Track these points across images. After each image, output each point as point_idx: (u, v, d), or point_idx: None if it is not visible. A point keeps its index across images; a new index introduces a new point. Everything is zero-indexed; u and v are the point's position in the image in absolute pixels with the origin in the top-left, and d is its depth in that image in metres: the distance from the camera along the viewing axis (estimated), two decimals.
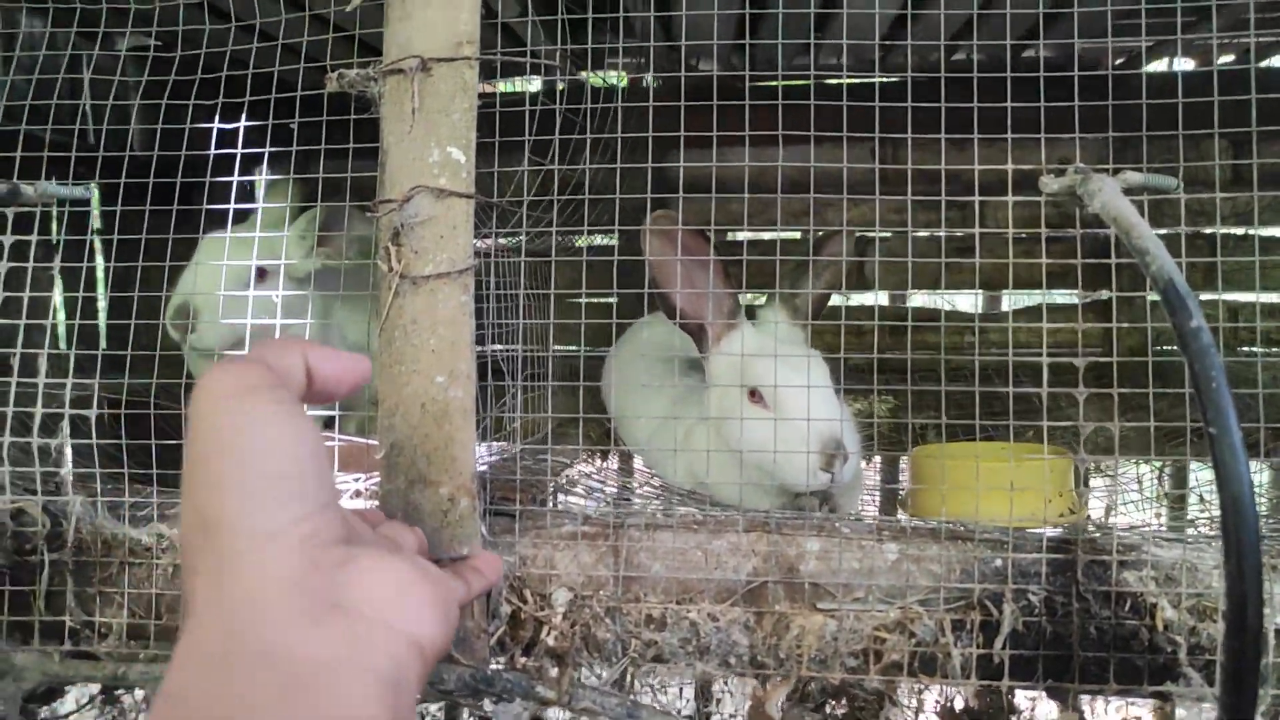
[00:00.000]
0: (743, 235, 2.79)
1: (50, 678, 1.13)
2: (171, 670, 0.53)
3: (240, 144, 1.30)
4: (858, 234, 2.29)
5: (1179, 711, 1.04)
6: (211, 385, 0.61)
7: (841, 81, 2.53)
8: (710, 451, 1.59)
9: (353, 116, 1.17)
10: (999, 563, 1.06)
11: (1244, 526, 0.80)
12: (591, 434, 2.00)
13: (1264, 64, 2.48)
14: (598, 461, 1.96)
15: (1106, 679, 1.03)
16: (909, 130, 1.32)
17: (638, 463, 1.99)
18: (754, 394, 1.57)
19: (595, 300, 2.25)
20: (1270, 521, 1.53)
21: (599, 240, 2.70)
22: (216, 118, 1.23)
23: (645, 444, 1.94)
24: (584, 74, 2.32)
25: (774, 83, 2.41)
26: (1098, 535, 1.07)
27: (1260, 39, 2.25)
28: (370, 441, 1.18)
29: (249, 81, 1.21)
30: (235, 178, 1.25)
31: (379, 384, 1.10)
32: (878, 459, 2.44)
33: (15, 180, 1.16)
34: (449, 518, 1.06)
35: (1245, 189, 2.46)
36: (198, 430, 0.60)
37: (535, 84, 2.88)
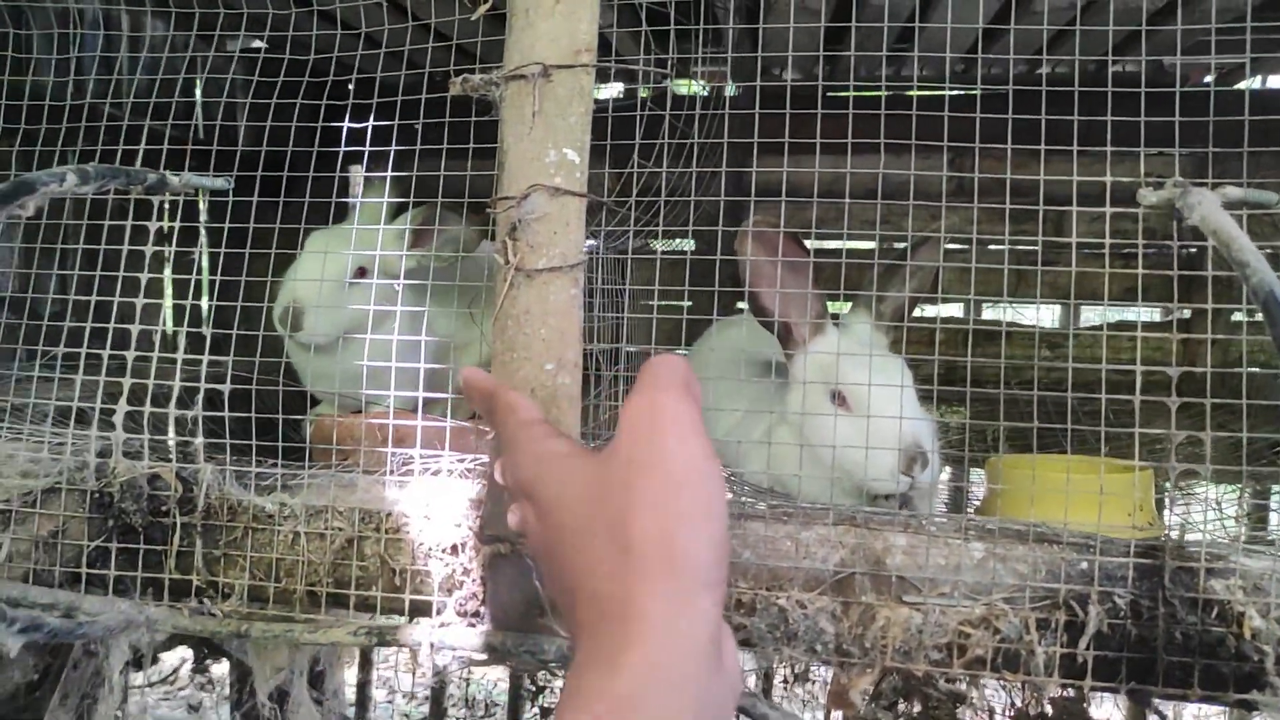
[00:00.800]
0: (828, 244, 2.82)
1: (180, 630, 1.22)
2: (624, 672, 0.53)
3: (343, 142, 1.39)
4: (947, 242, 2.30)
5: (1257, 718, 1.06)
6: (676, 410, 0.62)
7: (920, 92, 2.55)
8: (790, 446, 1.63)
9: (473, 119, 1.25)
10: (1085, 565, 1.08)
11: None
12: None
13: None
14: None
15: (1190, 684, 1.05)
16: (976, 141, 1.36)
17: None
18: (836, 396, 1.61)
19: (676, 301, 2.30)
20: None
21: (676, 243, 2.76)
22: (347, 117, 1.31)
23: (724, 439, 1.98)
24: (669, 82, 2.39)
25: (854, 93, 2.44)
26: (1185, 542, 1.08)
27: None
28: (468, 424, 1.25)
29: (376, 85, 1.29)
30: (336, 172, 1.33)
31: (493, 370, 1.17)
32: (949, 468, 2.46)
33: (163, 171, 1.26)
34: None
35: None
36: (659, 451, 0.60)
37: (616, 90, 2.95)
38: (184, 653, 2.31)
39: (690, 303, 2.59)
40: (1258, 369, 2.20)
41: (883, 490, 1.55)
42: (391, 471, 1.24)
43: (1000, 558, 1.11)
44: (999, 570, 1.10)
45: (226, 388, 1.24)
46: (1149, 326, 2.45)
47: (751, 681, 2.46)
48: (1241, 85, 2.46)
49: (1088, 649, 1.06)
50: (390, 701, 3.95)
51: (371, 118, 1.29)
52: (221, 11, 1.65)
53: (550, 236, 1.14)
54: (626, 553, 0.57)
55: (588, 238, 1.64)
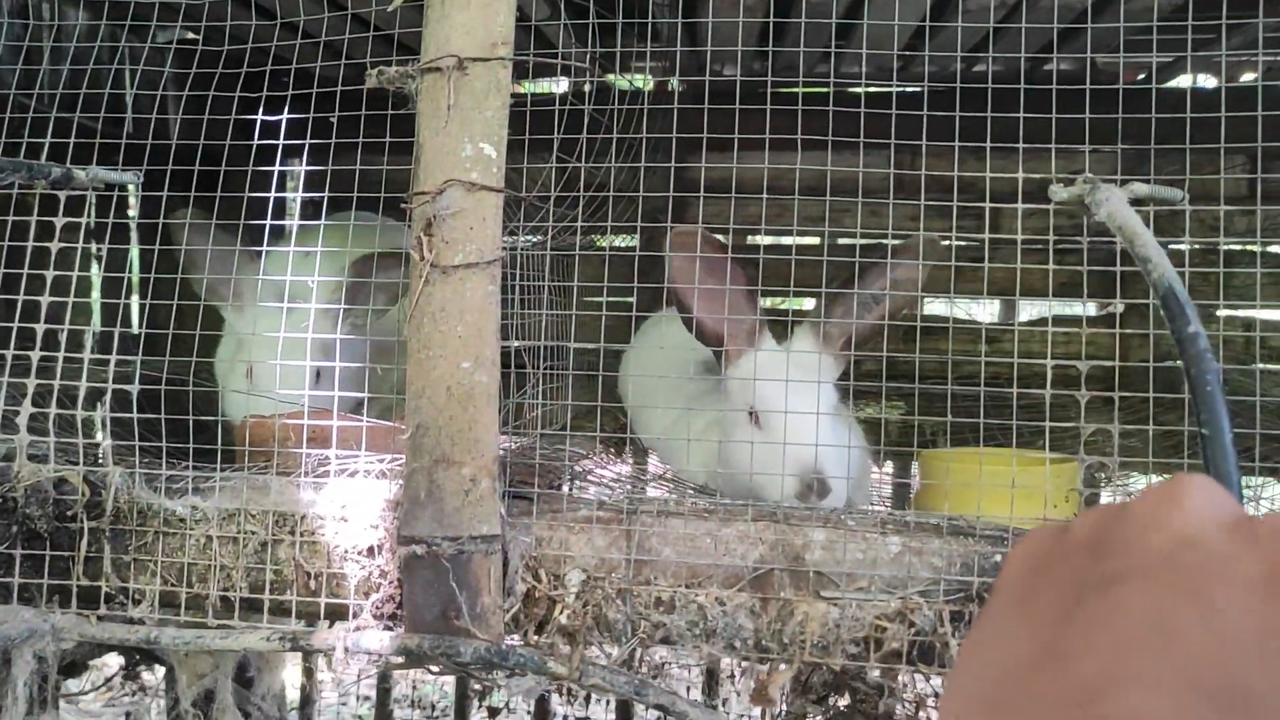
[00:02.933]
0: (761, 240, 2.82)
1: (86, 639, 1.18)
2: None
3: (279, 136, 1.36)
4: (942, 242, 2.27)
5: None
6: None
7: (864, 89, 2.57)
8: (726, 445, 1.62)
9: (390, 112, 1.22)
10: (999, 557, 1.09)
11: None
12: (606, 426, 2.04)
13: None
14: (612, 453, 2.00)
15: None
16: (924, 138, 1.37)
17: (653, 457, 2.03)
18: (753, 414, 1.59)
19: (614, 297, 2.30)
20: None
21: (619, 240, 2.75)
22: (260, 110, 1.28)
23: (661, 436, 1.98)
24: (610, 77, 2.38)
25: (796, 89, 2.45)
26: None
27: (1272, 58, 2.27)
28: (397, 425, 1.23)
29: (291, 75, 1.26)
30: (275, 194, 1.30)
31: (408, 368, 1.15)
32: (889, 463, 2.48)
33: (68, 165, 1.22)
34: (470, 497, 1.11)
35: (1262, 204, 2.47)
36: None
37: (563, 85, 2.93)
38: (117, 660, 2.25)
39: (634, 299, 2.60)
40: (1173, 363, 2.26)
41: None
42: (308, 472, 1.22)
43: (916, 551, 1.12)
44: (915, 564, 1.11)
45: (135, 388, 1.20)
46: (1088, 322, 2.50)
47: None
48: (1171, 84, 2.52)
49: None
50: (344, 703, 3.89)
51: (286, 110, 1.26)
52: (144, 1, 1.60)
53: (466, 232, 1.13)
54: None
55: (521, 233, 1.63)
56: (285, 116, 1.26)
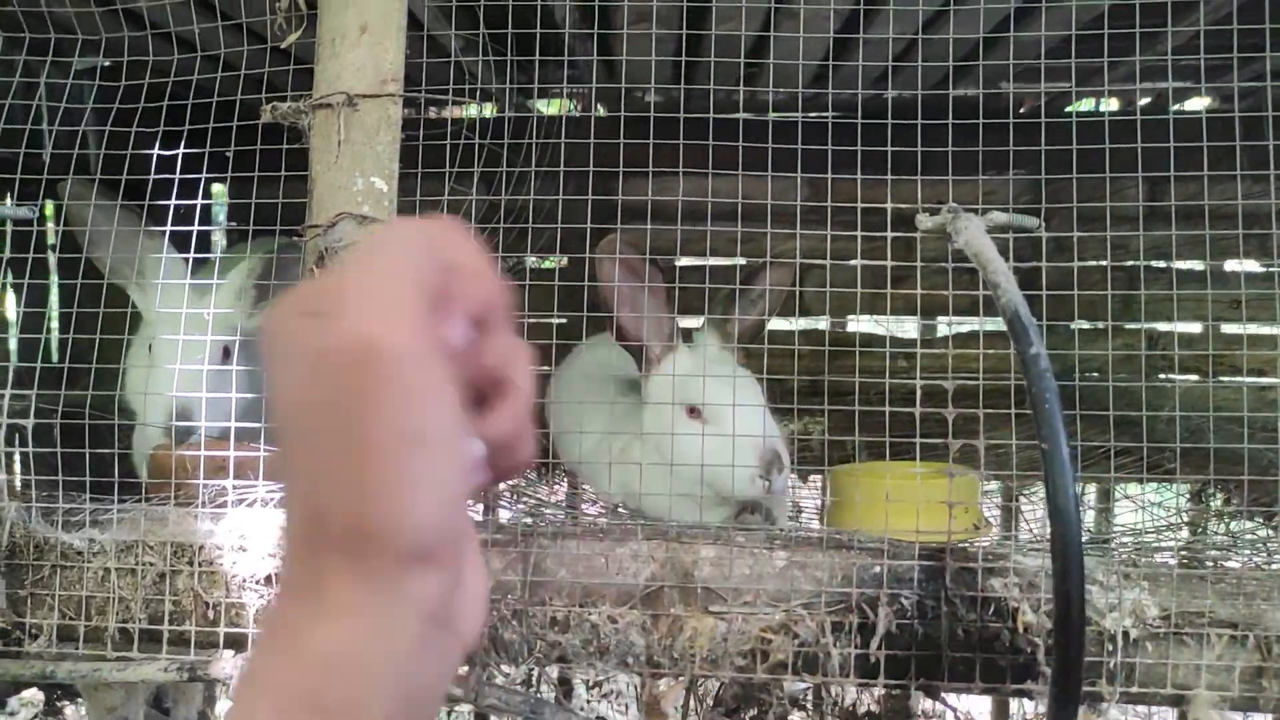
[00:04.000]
0: (682, 262, 2.88)
1: None
2: (305, 658, 0.45)
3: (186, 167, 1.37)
4: (786, 264, 2.39)
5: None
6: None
7: (772, 118, 2.65)
8: (644, 465, 1.66)
9: (285, 146, 1.25)
10: (877, 569, 1.14)
11: (1069, 533, 0.89)
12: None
13: (1177, 107, 2.61)
14: (530, 474, 2.03)
15: (973, 677, 1.11)
16: (829, 170, 1.43)
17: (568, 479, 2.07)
18: (693, 411, 1.66)
19: (539, 322, 2.33)
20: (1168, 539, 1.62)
21: (542, 264, 2.79)
22: (156, 145, 1.30)
23: (583, 459, 2.01)
24: (531, 103, 2.42)
25: (713, 115, 2.51)
26: (967, 544, 1.15)
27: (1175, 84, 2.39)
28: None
29: (214, 108, 1.28)
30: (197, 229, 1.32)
31: None
32: (816, 477, 2.54)
33: None
34: None
35: (1161, 225, 2.59)
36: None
37: (487, 111, 2.96)
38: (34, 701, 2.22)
39: (565, 320, 2.63)
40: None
41: (747, 494, 1.59)
42: (205, 503, 1.23)
43: (800, 565, 1.16)
44: (798, 577, 1.15)
45: (30, 422, 1.20)
46: (988, 340, 2.58)
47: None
48: (1069, 109, 2.63)
49: (879, 649, 1.12)
50: None
51: (182, 145, 1.28)
52: (53, 36, 1.61)
53: None
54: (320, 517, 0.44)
55: None
56: (180, 151, 1.28)
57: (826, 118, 2.57)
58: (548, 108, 2.49)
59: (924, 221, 1.14)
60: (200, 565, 1.20)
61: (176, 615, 1.21)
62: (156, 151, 1.30)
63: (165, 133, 1.40)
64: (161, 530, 1.22)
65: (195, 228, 1.34)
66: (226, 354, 1.65)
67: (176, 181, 1.29)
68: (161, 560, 1.20)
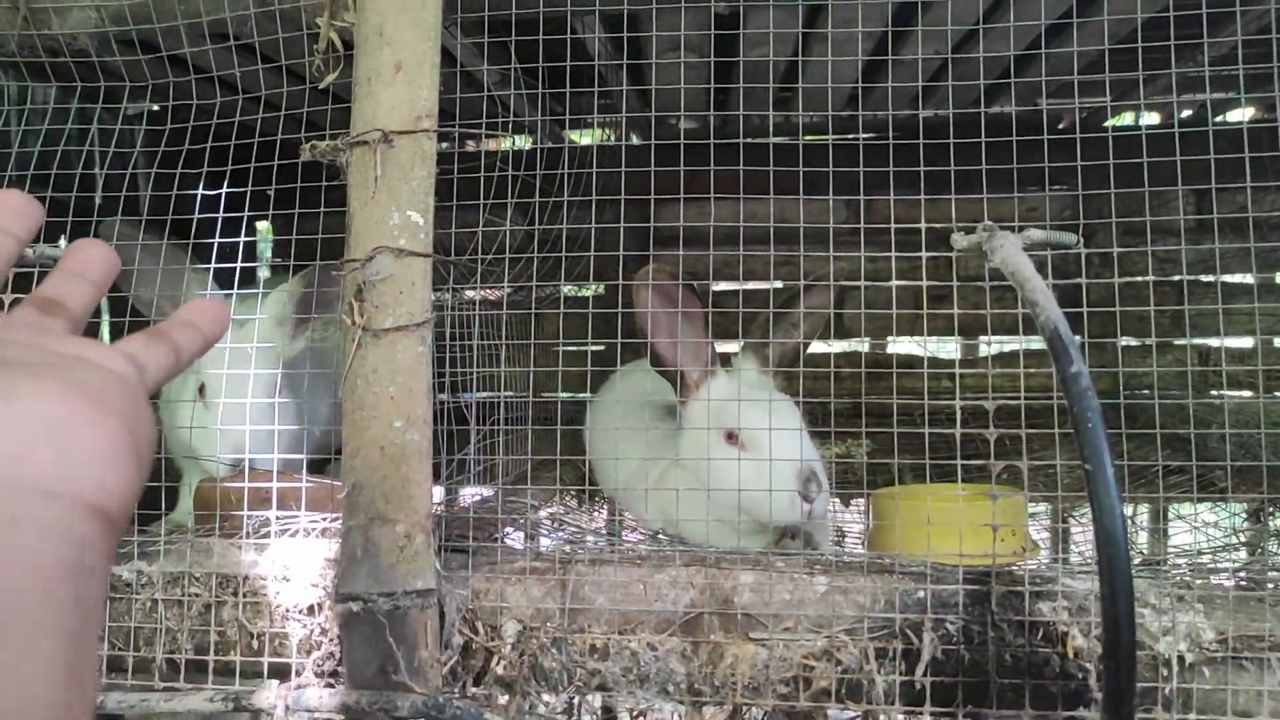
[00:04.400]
0: (718, 287, 2.89)
1: None
2: None
3: (233, 208, 1.41)
4: (823, 286, 2.38)
5: None
6: None
7: (805, 141, 2.65)
8: (681, 491, 1.66)
9: (324, 183, 1.28)
10: (920, 594, 1.12)
11: (1116, 555, 0.87)
12: (567, 476, 2.07)
13: (1219, 119, 2.57)
14: (571, 502, 2.03)
15: (1022, 704, 1.09)
16: (861, 191, 1.42)
17: (607, 506, 2.06)
18: (731, 436, 1.66)
19: (575, 349, 2.34)
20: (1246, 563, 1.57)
21: (579, 292, 2.81)
22: (201, 184, 1.34)
23: (622, 485, 2.01)
24: (564, 133, 2.45)
25: (748, 140, 2.52)
26: (1013, 568, 1.13)
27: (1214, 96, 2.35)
28: (336, 483, 1.26)
29: (253, 149, 1.32)
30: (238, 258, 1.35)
31: (343, 429, 1.19)
32: (859, 501, 2.50)
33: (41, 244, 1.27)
34: (404, 553, 1.14)
35: (1207, 238, 2.54)
36: None
37: (522, 142, 3.01)
38: None
39: (602, 348, 2.64)
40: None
41: (786, 519, 1.58)
42: (249, 534, 1.25)
43: (841, 590, 1.15)
44: (840, 603, 1.14)
45: None
46: (1030, 359, 2.54)
47: None
48: (1108, 123, 2.59)
49: (924, 675, 1.10)
50: None
51: (225, 183, 1.31)
52: (104, 84, 1.67)
53: (396, 296, 1.17)
54: None
55: (477, 292, 1.68)
56: (224, 190, 1.32)
57: (859, 139, 2.58)
58: (581, 138, 2.52)
59: (959, 241, 1.13)
60: (245, 596, 1.22)
61: (221, 645, 1.22)
62: (201, 191, 1.33)
63: (210, 172, 1.44)
64: (207, 562, 1.24)
65: (239, 264, 1.37)
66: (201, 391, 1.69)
67: (220, 219, 1.32)
68: (207, 591, 1.22)
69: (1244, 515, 2.03)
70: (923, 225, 1.20)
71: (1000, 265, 1.06)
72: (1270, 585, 1.27)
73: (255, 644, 1.21)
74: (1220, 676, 1.06)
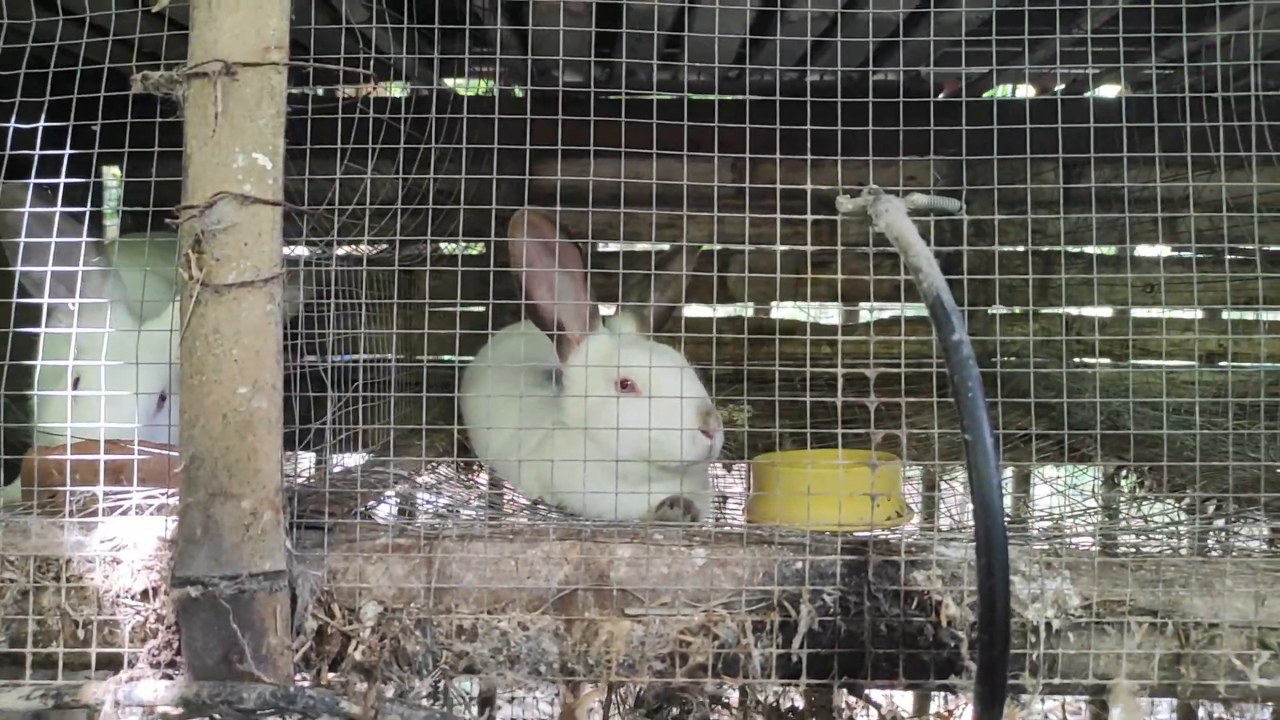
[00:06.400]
0: (600, 247, 2.82)
1: None
2: None
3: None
4: (703, 249, 2.35)
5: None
6: None
7: (691, 98, 2.59)
8: (565, 457, 1.60)
9: (158, 120, 1.14)
10: (799, 565, 1.10)
11: (992, 524, 0.86)
12: (438, 445, 1.98)
13: (1089, 94, 2.65)
14: (444, 470, 1.94)
15: (897, 674, 1.08)
16: (747, 150, 1.37)
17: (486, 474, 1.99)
18: (625, 383, 1.62)
19: (444, 311, 2.24)
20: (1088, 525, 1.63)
21: (455, 250, 2.69)
22: (13, 118, 1.17)
23: (496, 455, 1.93)
24: (436, 79, 2.31)
25: (634, 95, 2.44)
26: (890, 537, 1.12)
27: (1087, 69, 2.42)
28: (173, 454, 1.14)
29: (48, 82, 1.16)
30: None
31: (181, 395, 1.07)
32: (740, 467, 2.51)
33: None
34: (250, 532, 1.04)
35: (1079, 210, 2.62)
36: None
37: (388, 88, 2.83)
38: None
39: (481, 309, 2.53)
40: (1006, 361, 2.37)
41: (692, 456, 1.56)
42: (73, 512, 1.12)
43: (720, 563, 1.11)
44: (718, 576, 1.11)
45: None
46: (911, 326, 2.59)
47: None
48: (987, 95, 2.64)
49: (801, 648, 1.08)
50: None
51: (42, 118, 1.15)
52: None
53: (240, 249, 1.05)
54: None
55: (339, 247, 1.55)
56: (41, 124, 1.16)
57: (747, 96, 2.53)
58: (458, 87, 2.39)
59: (844, 204, 1.09)
60: (68, 580, 1.09)
61: (42, 636, 1.10)
62: (13, 124, 1.17)
63: (28, 104, 1.27)
64: (24, 543, 1.10)
65: (58, 208, 1.21)
66: (163, 399, 1.54)
67: (36, 158, 1.16)
68: (24, 576, 1.09)
69: (1101, 480, 2.12)
70: (808, 188, 1.16)
71: (885, 230, 1.04)
72: (1125, 548, 1.32)
73: (81, 634, 1.09)
74: (1084, 641, 1.08)
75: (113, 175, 2.79)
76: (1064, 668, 1.08)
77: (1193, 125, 1.24)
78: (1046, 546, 1.15)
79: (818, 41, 2.14)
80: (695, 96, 2.64)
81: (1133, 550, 1.22)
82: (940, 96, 2.69)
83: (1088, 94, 2.70)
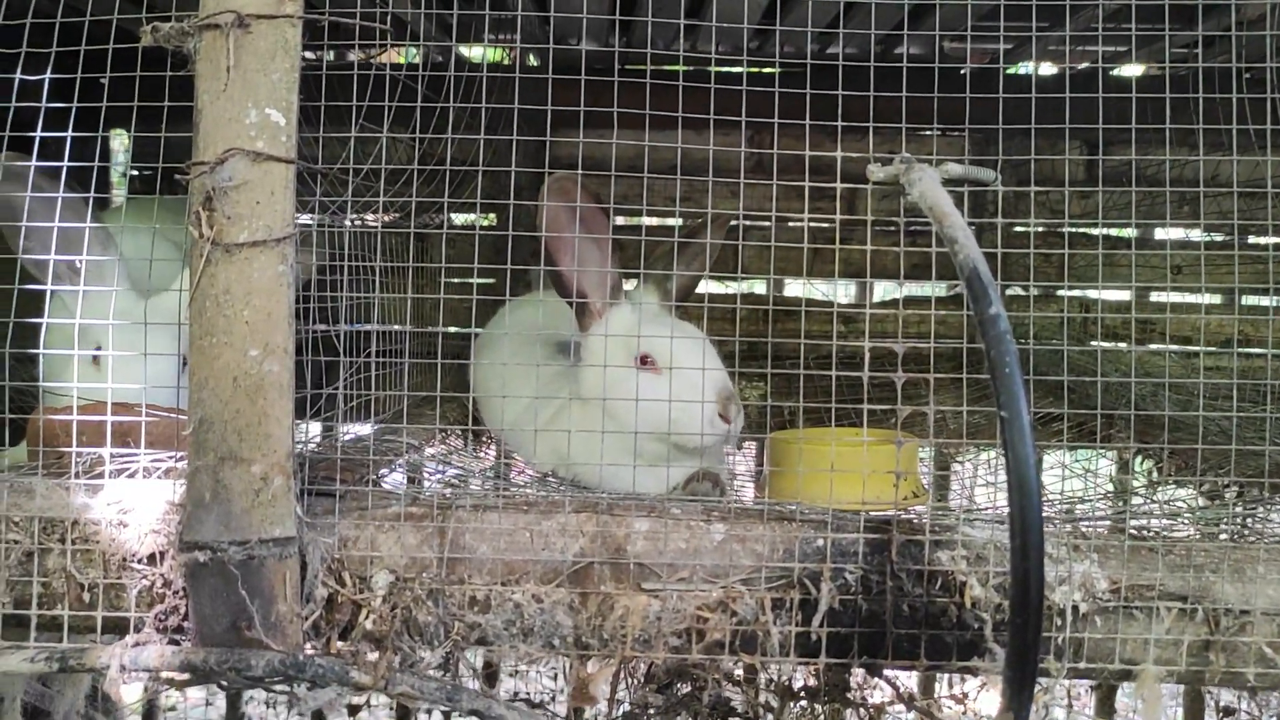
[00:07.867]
0: (620, 221, 2.78)
1: None
2: None
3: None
4: (733, 223, 2.30)
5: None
6: None
7: (718, 69, 2.54)
8: (581, 429, 1.57)
9: (169, 74, 1.10)
10: (820, 542, 1.08)
11: (1028, 506, 0.83)
12: (450, 414, 1.96)
13: (1114, 71, 2.59)
14: (455, 441, 1.92)
15: (918, 655, 1.06)
16: (775, 117, 1.33)
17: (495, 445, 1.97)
18: (645, 359, 1.60)
19: (461, 280, 2.20)
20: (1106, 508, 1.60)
21: (483, 220, 2.65)
22: (18, 69, 1.14)
23: (510, 425, 1.91)
24: (455, 46, 2.27)
25: (654, 65, 2.40)
26: (914, 516, 1.09)
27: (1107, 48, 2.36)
28: (182, 417, 1.11)
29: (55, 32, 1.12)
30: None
31: (191, 356, 1.04)
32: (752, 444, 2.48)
33: None
34: (260, 497, 1.01)
35: (1097, 187, 2.57)
36: None
37: (406, 53, 2.79)
38: None
39: (493, 280, 2.50)
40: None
41: (704, 441, 1.54)
42: (79, 474, 1.10)
43: (739, 539, 1.09)
44: (737, 551, 1.08)
45: None
46: (939, 302, 2.54)
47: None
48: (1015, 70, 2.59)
49: (821, 626, 1.06)
50: (210, 703, 3.66)
51: (49, 72, 1.12)
52: None
53: (253, 207, 1.02)
54: None
55: (350, 211, 1.52)
56: (47, 76, 1.12)
57: (776, 66, 2.47)
58: (475, 53, 2.34)
59: (876, 172, 1.06)
60: (74, 542, 1.07)
61: (46, 599, 1.08)
62: (19, 75, 1.14)
63: (34, 58, 1.24)
64: (28, 504, 1.08)
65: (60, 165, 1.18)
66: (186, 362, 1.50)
67: (42, 113, 1.13)
68: (28, 537, 1.07)
69: (1116, 463, 2.09)
70: (838, 154, 1.12)
71: (918, 199, 1.00)
72: (1146, 533, 1.29)
73: (86, 597, 1.07)
74: (1111, 625, 1.06)
75: (120, 140, 2.76)
76: (1090, 652, 1.06)
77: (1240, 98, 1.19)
78: (1074, 530, 1.12)
79: (847, 5, 2.08)
80: (719, 70, 2.59)
81: (1162, 534, 1.18)
82: (962, 73, 2.64)
83: (1109, 73, 2.64)
